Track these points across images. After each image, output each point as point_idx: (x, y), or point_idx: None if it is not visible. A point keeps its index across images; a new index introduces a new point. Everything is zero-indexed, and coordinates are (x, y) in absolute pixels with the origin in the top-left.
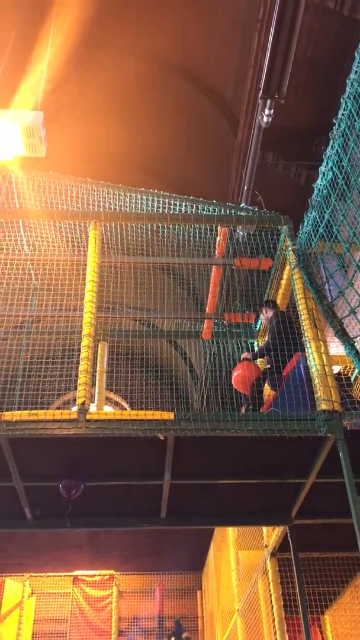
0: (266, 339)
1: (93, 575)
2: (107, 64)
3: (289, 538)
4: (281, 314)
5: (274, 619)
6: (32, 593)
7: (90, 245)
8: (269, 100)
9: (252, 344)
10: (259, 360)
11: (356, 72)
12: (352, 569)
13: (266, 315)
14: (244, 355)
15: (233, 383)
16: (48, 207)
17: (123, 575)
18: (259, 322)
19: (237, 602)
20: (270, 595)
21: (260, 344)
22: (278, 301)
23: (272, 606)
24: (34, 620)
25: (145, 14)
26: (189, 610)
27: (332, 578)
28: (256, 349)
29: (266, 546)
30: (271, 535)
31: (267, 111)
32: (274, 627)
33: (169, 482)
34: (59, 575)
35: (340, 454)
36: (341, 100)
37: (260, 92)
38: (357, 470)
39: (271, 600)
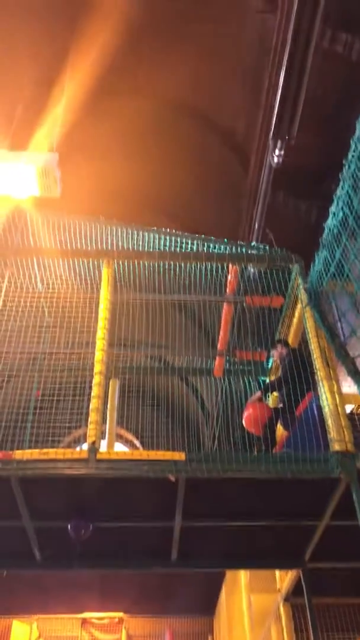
0: (279, 374)
1: (102, 618)
2: (120, 107)
3: (302, 582)
4: (294, 351)
5: None
6: (39, 636)
7: (103, 283)
8: (279, 141)
9: (263, 381)
10: (271, 397)
11: None
12: None
13: (280, 352)
14: (257, 395)
15: (244, 423)
16: (62, 245)
17: (132, 618)
18: (271, 361)
19: None
20: None
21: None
22: (290, 339)
23: None
24: None
25: (158, 55)
26: None
27: (347, 625)
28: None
29: (279, 590)
30: (284, 578)
31: (277, 151)
32: None
33: (180, 523)
34: (67, 617)
35: (354, 496)
36: (351, 141)
37: (271, 133)
38: None
39: None
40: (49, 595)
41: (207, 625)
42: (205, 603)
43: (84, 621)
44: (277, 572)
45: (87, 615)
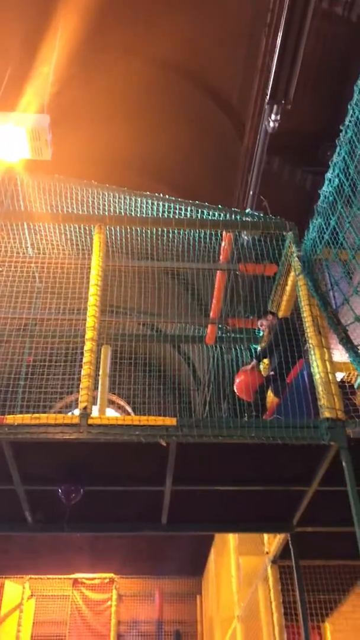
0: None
1: (93, 579)
2: (112, 67)
3: (290, 545)
4: (285, 320)
5: (274, 626)
6: (31, 595)
7: (94, 249)
8: (275, 106)
9: (255, 349)
10: (262, 365)
11: None
12: (353, 577)
13: (269, 321)
14: (252, 364)
15: (235, 390)
16: (53, 209)
17: (123, 578)
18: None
19: (237, 609)
20: (271, 602)
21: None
22: (282, 307)
23: (273, 613)
24: (33, 623)
25: (153, 16)
26: (188, 615)
27: (333, 586)
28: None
29: (267, 553)
30: (272, 542)
31: (273, 116)
32: (274, 635)
33: (171, 488)
34: (58, 578)
35: (343, 463)
36: (348, 106)
37: (267, 97)
38: None
39: (271, 608)
40: (40, 556)
41: (195, 586)
42: (194, 564)
43: (75, 581)
44: (266, 536)
45: (78, 575)
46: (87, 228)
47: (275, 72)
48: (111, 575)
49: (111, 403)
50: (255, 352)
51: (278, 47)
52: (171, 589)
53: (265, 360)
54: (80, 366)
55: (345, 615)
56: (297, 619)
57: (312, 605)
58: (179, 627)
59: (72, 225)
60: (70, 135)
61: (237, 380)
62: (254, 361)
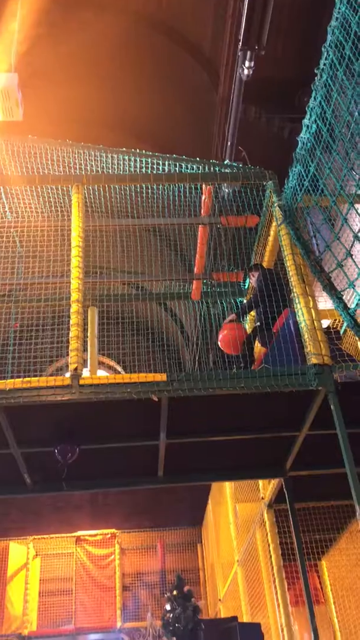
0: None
1: (95, 535)
2: (81, 22)
3: (284, 489)
4: (268, 271)
5: (272, 567)
6: (36, 555)
7: (73, 210)
8: (249, 52)
9: (241, 302)
10: (248, 317)
11: (337, 18)
12: (346, 516)
13: (253, 277)
14: (231, 316)
15: (219, 344)
16: (28, 172)
17: (124, 533)
18: (247, 282)
19: (237, 554)
20: (269, 545)
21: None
22: (266, 257)
23: (271, 555)
24: (40, 580)
25: None
26: (191, 563)
27: (327, 526)
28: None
29: (263, 498)
30: (267, 487)
31: (247, 63)
32: (273, 575)
33: (165, 441)
34: (61, 537)
35: (332, 406)
36: (322, 49)
37: (240, 43)
38: (349, 421)
39: (269, 550)
40: (42, 517)
41: (196, 535)
42: (193, 515)
43: (78, 539)
44: (260, 482)
45: (80, 533)
46: (65, 189)
47: (246, 17)
48: (112, 530)
49: (101, 364)
50: (240, 304)
51: None
52: (172, 540)
53: (252, 313)
54: (68, 329)
55: (341, 552)
56: (294, 559)
57: (308, 545)
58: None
59: (49, 186)
60: (41, 95)
61: (220, 335)
62: (233, 314)
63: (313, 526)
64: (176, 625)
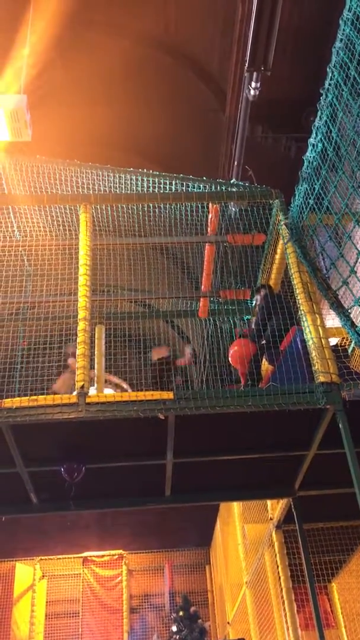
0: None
1: (102, 556)
2: (90, 45)
3: (293, 510)
4: (277, 295)
5: (281, 589)
6: (42, 576)
7: (81, 229)
8: (255, 73)
9: (248, 320)
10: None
11: (341, 40)
12: (357, 537)
13: (259, 297)
14: (244, 331)
15: (230, 360)
16: (37, 191)
17: (132, 554)
18: (254, 300)
19: (245, 575)
20: (277, 566)
21: None
22: (273, 276)
23: (280, 577)
24: (47, 602)
25: None
26: (199, 584)
27: (337, 547)
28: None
29: (271, 519)
30: (276, 507)
31: (254, 84)
32: (282, 597)
33: (172, 460)
34: (68, 557)
35: (340, 425)
36: (327, 69)
37: (246, 64)
38: (357, 440)
39: (278, 572)
40: (49, 538)
41: (204, 556)
42: (201, 535)
43: (85, 560)
44: (269, 502)
45: (87, 554)
46: (73, 208)
47: (252, 38)
48: (120, 551)
49: (108, 383)
50: (248, 323)
51: (254, 13)
52: (180, 561)
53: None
54: (75, 347)
55: (351, 574)
56: (303, 580)
57: (318, 567)
58: (186, 594)
59: (57, 206)
60: (50, 116)
61: (230, 351)
62: (245, 329)
63: (322, 547)
64: None
